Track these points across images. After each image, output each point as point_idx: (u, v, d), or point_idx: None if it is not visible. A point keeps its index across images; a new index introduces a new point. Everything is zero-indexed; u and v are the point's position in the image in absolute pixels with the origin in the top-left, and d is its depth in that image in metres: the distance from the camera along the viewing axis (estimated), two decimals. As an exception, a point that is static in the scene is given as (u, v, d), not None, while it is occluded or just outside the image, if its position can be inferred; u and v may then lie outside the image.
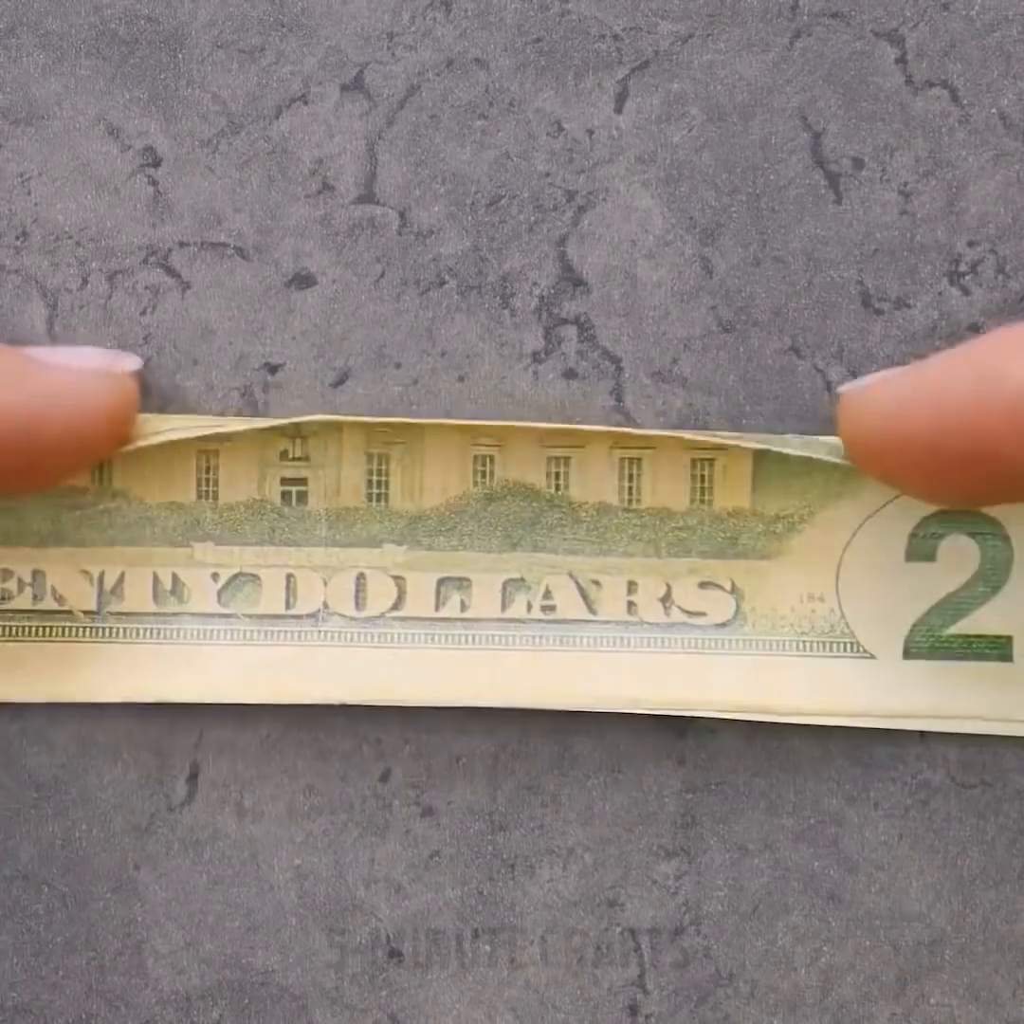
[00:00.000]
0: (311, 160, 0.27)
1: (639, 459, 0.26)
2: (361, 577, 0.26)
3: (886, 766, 0.26)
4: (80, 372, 0.24)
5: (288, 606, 0.26)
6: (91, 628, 0.26)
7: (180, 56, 0.27)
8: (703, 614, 0.26)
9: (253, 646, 0.26)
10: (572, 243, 0.26)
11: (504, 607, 0.26)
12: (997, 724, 0.26)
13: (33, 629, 0.26)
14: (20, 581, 0.26)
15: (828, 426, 0.26)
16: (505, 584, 0.26)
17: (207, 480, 0.26)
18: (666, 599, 0.26)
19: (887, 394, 0.24)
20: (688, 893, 0.26)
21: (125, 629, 0.26)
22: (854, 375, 0.26)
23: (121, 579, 0.26)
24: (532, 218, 0.26)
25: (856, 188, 0.26)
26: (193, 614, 0.26)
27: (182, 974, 0.26)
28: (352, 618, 0.26)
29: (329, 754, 0.26)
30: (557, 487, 0.26)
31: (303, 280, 0.26)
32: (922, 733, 0.26)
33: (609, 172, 0.26)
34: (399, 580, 0.26)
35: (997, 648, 0.26)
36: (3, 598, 0.26)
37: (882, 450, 0.24)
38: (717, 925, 0.26)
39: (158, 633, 0.26)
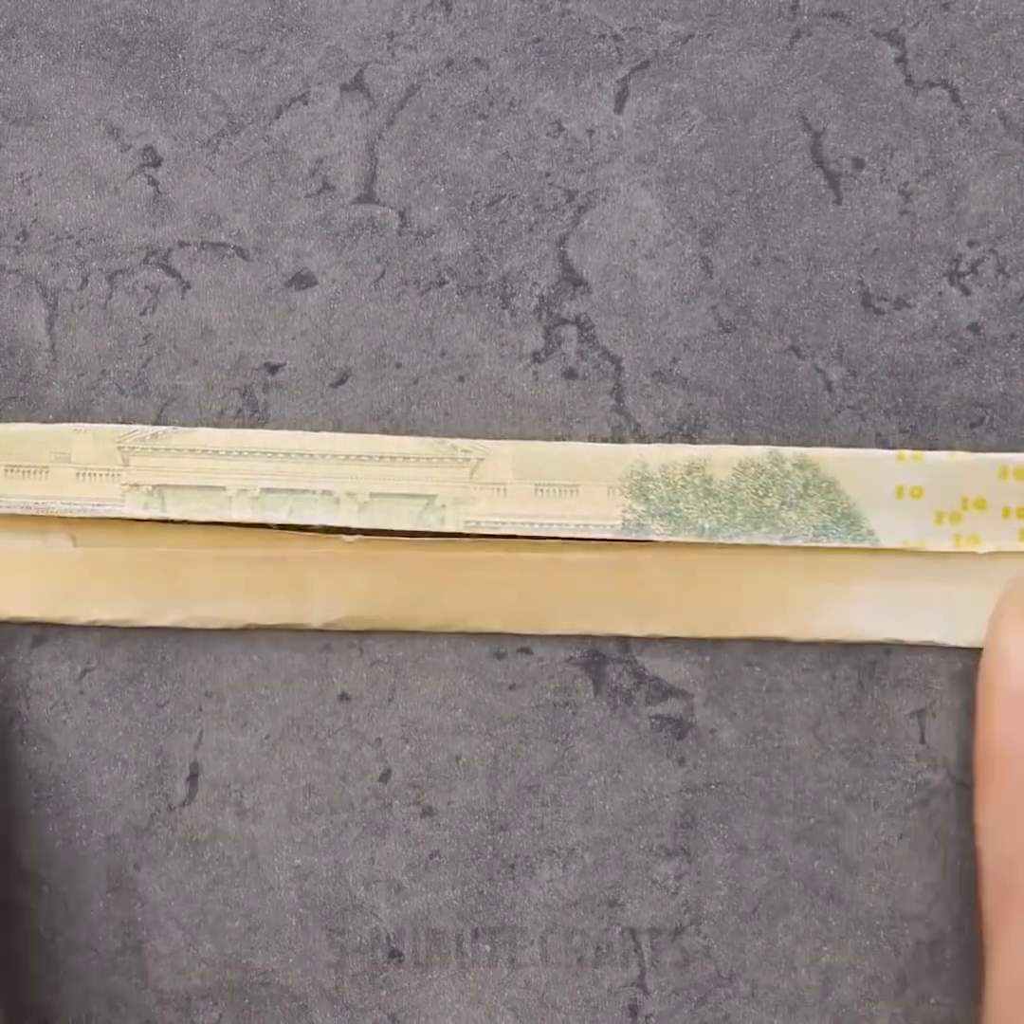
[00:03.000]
0: (311, 160, 0.27)
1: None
2: None
3: (886, 766, 0.26)
4: None
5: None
6: None
7: (180, 56, 0.27)
8: None
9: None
10: (572, 243, 0.26)
11: None
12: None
13: None
14: None
15: (827, 426, 0.26)
16: None
17: None
18: None
19: None
20: (688, 893, 0.26)
21: None
22: (854, 375, 0.26)
23: None
24: (532, 218, 0.26)
25: (856, 188, 0.26)
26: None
27: (182, 974, 0.26)
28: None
29: (329, 754, 0.26)
30: None
31: (303, 280, 0.26)
32: (922, 733, 0.26)
33: (609, 172, 0.26)
34: None
35: None
36: None
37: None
38: (717, 925, 0.26)
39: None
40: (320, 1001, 0.26)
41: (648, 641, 0.26)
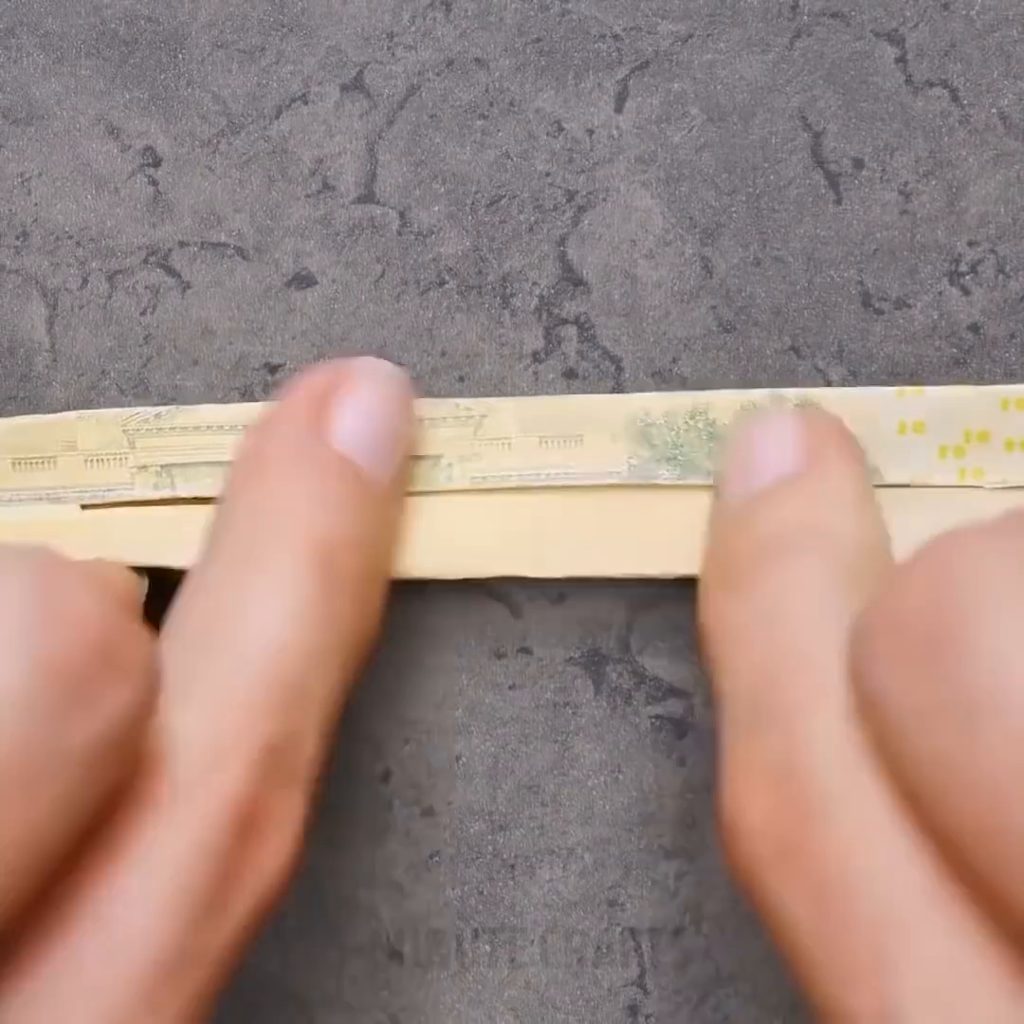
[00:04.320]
0: (311, 160, 0.27)
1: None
2: None
3: (886, 766, 0.26)
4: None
5: None
6: None
7: (180, 56, 0.27)
8: None
9: None
10: (572, 243, 0.26)
11: None
12: None
13: None
14: None
15: (828, 426, 0.26)
16: None
17: None
18: None
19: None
20: (688, 893, 0.26)
21: None
22: (854, 376, 0.26)
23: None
24: (532, 218, 0.26)
25: (856, 188, 0.26)
26: None
27: (182, 974, 0.26)
28: None
29: (329, 753, 0.26)
30: None
31: (303, 280, 0.26)
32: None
33: (609, 172, 0.26)
34: None
35: None
36: None
37: None
38: (717, 925, 0.26)
39: None
40: (320, 1002, 0.26)
41: (648, 641, 0.26)
